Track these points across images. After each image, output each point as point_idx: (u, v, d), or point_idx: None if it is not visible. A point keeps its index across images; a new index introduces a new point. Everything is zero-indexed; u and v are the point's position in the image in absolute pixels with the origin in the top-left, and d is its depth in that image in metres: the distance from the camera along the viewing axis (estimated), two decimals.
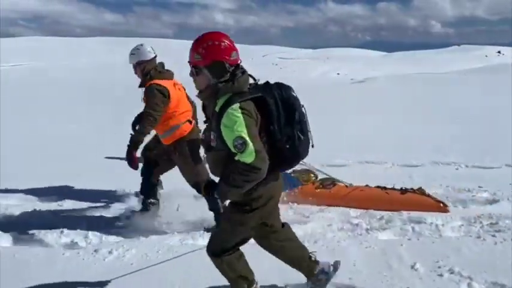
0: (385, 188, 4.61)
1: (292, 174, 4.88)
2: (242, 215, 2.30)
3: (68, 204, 4.54)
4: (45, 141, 7.83)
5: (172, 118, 3.79)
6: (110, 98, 15.57)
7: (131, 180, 4.32)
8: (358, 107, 13.01)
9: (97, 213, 4.32)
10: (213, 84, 2.19)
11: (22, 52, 72.82)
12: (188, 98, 4.05)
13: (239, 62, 2.25)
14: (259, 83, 2.30)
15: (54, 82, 25.25)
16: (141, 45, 3.96)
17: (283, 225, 2.60)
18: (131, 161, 3.71)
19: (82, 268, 3.08)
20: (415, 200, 4.33)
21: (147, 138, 3.93)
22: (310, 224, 3.87)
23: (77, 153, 6.79)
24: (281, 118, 2.17)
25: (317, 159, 4.49)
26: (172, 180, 4.19)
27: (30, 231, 3.71)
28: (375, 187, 4.67)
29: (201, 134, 3.23)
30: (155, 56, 3.92)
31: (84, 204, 4.54)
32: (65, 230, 3.68)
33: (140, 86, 3.82)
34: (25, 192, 4.88)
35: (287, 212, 4.21)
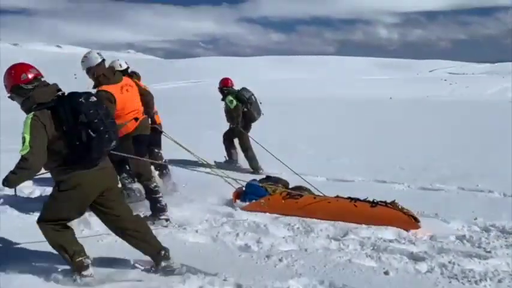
0: (355, 199, 4.50)
1: (260, 184, 4.94)
2: (56, 192, 2.91)
3: None
4: None
5: (118, 118, 3.99)
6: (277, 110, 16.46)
7: None
8: None
9: None
10: (22, 102, 2.84)
11: (201, 70, 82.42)
12: (142, 93, 4.68)
13: (37, 76, 2.87)
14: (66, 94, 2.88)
15: None
16: (89, 52, 4.35)
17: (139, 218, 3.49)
18: None
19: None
20: (384, 214, 4.23)
21: None
22: (492, 260, 3.40)
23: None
24: (69, 121, 2.73)
25: None
26: None
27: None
28: (345, 198, 4.57)
29: None
30: (103, 60, 4.23)
31: None
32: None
33: (94, 87, 4.21)
34: None
35: (460, 243, 3.77)
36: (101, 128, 2.79)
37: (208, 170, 5.52)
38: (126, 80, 4.47)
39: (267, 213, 4.52)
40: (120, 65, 5.16)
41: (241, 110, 6.94)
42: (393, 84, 58.27)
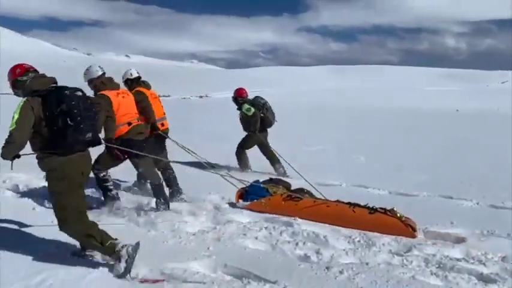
0: (354, 205, 4.57)
1: (263, 185, 5.14)
2: (50, 187, 3.33)
3: None
4: None
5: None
6: (345, 119, 16.23)
7: None
8: None
9: None
10: (22, 92, 3.31)
11: (261, 80, 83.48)
12: (139, 100, 5.11)
13: (29, 69, 3.36)
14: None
15: (289, 105, 28.05)
16: (90, 66, 4.93)
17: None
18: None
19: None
20: (382, 221, 4.28)
21: None
22: None
23: None
24: (53, 108, 3.13)
25: None
26: None
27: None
28: (345, 203, 4.65)
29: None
30: (103, 73, 4.84)
31: None
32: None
33: (94, 95, 4.67)
34: None
35: None
36: (78, 118, 3.18)
37: (211, 170, 5.87)
38: (122, 89, 5.04)
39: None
40: (131, 73, 5.70)
41: (259, 116, 7.25)
42: (460, 95, 55.55)
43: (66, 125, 3.14)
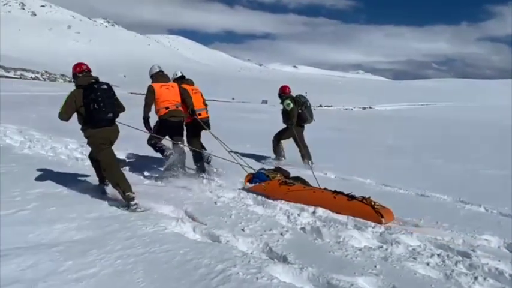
0: (337, 192, 5.16)
1: (264, 172, 6.09)
2: (88, 142, 5.12)
3: None
4: None
5: (156, 104, 6.41)
6: None
7: None
8: None
9: None
10: (75, 83, 5.00)
11: (432, 92, 77.67)
12: (181, 93, 6.59)
13: (85, 70, 5.00)
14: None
15: (462, 121, 25.54)
16: (152, 66, 6.70)
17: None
18: (147, 128, 6.38)
19: None
20: (356, 207, 4.86)
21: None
22: None
23: None
24: (87, 97, 4.79)
25: None
26: None
27: None
28: (330, 191, 5.26)
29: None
30: (159, 71, 6.58)
31: None
32: None
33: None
34: None
35: None
36: (101, 104, 4.80)
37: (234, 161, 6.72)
38: (170, 83, 6.62)
39: None
40: (176, 74, 7.22)
41: (296, 111, 8.11)
42: None
43: (93, 108, 4.77)
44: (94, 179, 5.66)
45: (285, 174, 6.16)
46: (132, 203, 4.79)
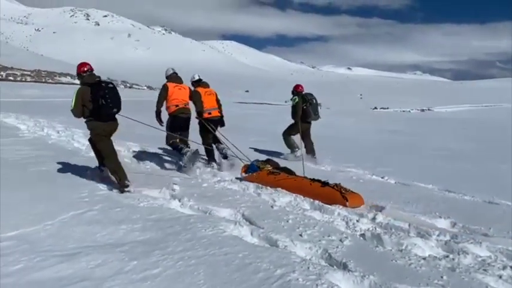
0: (314, 180, 5.86)
1: (255, 163, 6.85)
2: (92, 137, 5.86)
3: None
4: None
5: (167, 101, 7.39)
6: None
7: None
8: None
9: None
10: (80, 82, 5.70)
11: (497, 93, 73.21)
12: (191, 94, 7.60)
13: (89, 69, 5.67)
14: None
15: None
16: (168, 68, 7.75)
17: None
18: (158, 121, 7.30)
19: None
20: (327, 192, 5.47)
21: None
22: None
23: None
24: (95, 94, 5.43)
25: None
26: None
27: None
28: (308, 179, 6.00)
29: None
30: (173, 73, 7.60)
31: None
32: None
33: None
34: None
35: None
36: (108, 100, 5.44)
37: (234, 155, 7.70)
38: (182, 84, 7.57)
39: None
40: (194, 77, 8.07)
41: (301, 107, 8.71)
42: None
43: (102, 103, 5.41)
44: (154, 183, 5.91)
45: (274, 165, 6.88)
46: (126, 189, 5.51)
